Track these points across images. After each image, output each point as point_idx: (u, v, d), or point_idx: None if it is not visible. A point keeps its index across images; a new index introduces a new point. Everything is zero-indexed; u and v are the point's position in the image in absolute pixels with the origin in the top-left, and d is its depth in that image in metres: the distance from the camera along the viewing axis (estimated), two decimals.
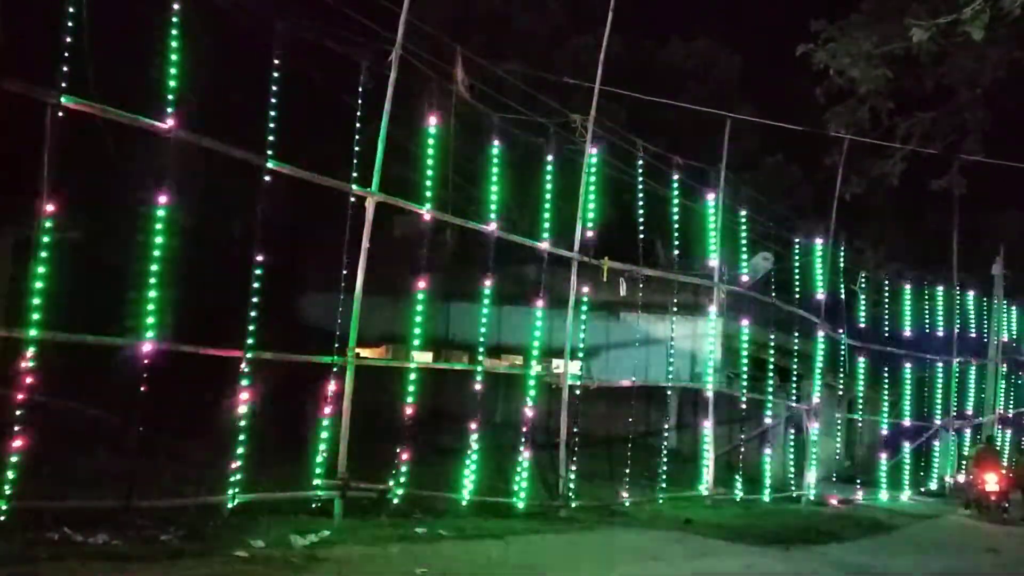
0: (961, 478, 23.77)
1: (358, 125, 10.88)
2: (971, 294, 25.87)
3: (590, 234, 14.05)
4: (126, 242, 10.04)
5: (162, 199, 8.72)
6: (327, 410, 10.38)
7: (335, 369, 10.51)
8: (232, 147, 9.52)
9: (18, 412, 7.58)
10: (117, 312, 9.67)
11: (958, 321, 24.72)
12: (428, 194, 11.61)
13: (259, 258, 9.71)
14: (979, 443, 23.04)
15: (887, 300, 24.14)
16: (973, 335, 26.24)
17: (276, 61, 9.81)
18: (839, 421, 23.21)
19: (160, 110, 8.75)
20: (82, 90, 8.07)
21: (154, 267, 8.70)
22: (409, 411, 11.14)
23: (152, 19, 9.15)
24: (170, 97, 8.76)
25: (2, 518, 7.58)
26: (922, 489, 23.23)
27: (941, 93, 17.37)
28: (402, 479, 11.01)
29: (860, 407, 23.42)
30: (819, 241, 20.03)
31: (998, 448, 22.81)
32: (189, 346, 9.33)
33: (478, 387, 12.37)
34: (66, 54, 7.91)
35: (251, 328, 9.66)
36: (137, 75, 9.45)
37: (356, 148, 10.78)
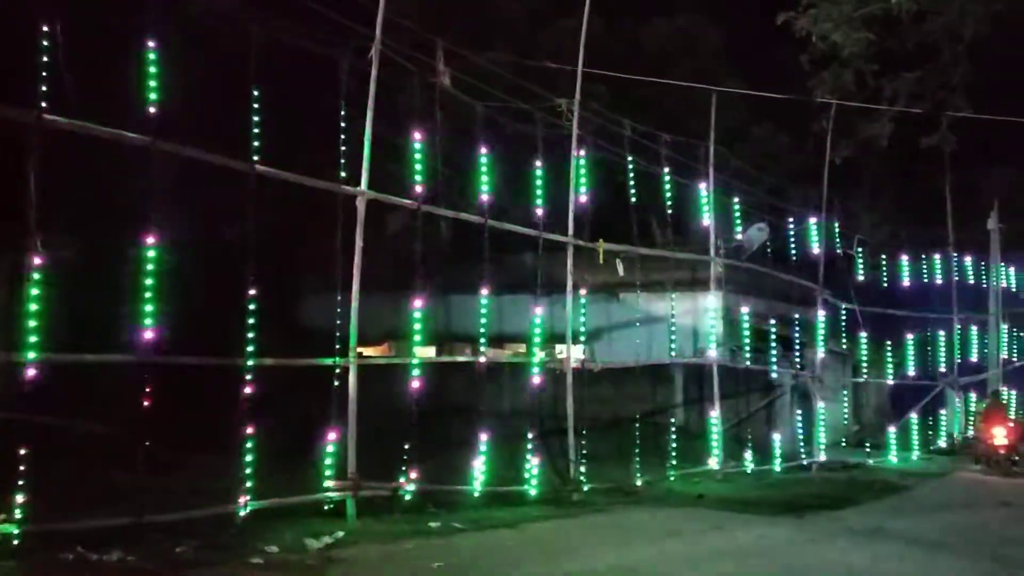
0: (970, 434, 23.82)
1: (343, 124, 10.87)
2: (968, 252, 25.91)
3: (583, 214, 14.03)
4: (120, 258, 10.03)
5: (152, 212, 8.70)
6: (333, 412, 10.39)
7: (337, 370, 10.51)
8: (217, 155, 9.49)
9: (25, 436, 7.58)
10: (116, 329, 9.65)
11: (956, 278, 24.73)
12: (418, 189, 11.59)
13: (254, 264, 9.70)
14: (985, 398, 23.08)
15: (884, 262, 24.12)
16: (972, 291, 26.26)
17: (254, 66, 9.75)
18: (845, 386, 23.25)
19: (142, 122, 8.71)
20: (62, 107, 8.04)
21: (149, 281, 8.68)
22: (415, 407, 11.15)
23: (127, 31, 9.12)
24: (151, 109, 8.71)
25: (16, 542, 7.59)
26: (932, 448, 23.27)
27: (925, 51, 17.32)
28: (413, 475, 11.03)
29: (865, 371, 23.46)
30: (813, 208, 20.03)
31: (1005, 402, 22.84)
32: (190, 358, 9.33)
33: (482, 378, 12.40)
34: (43, 73, 7.88)
35: (251, 335, 9.66)
36: (116, 88, 9.42)
37: (343, 147, 10.77)
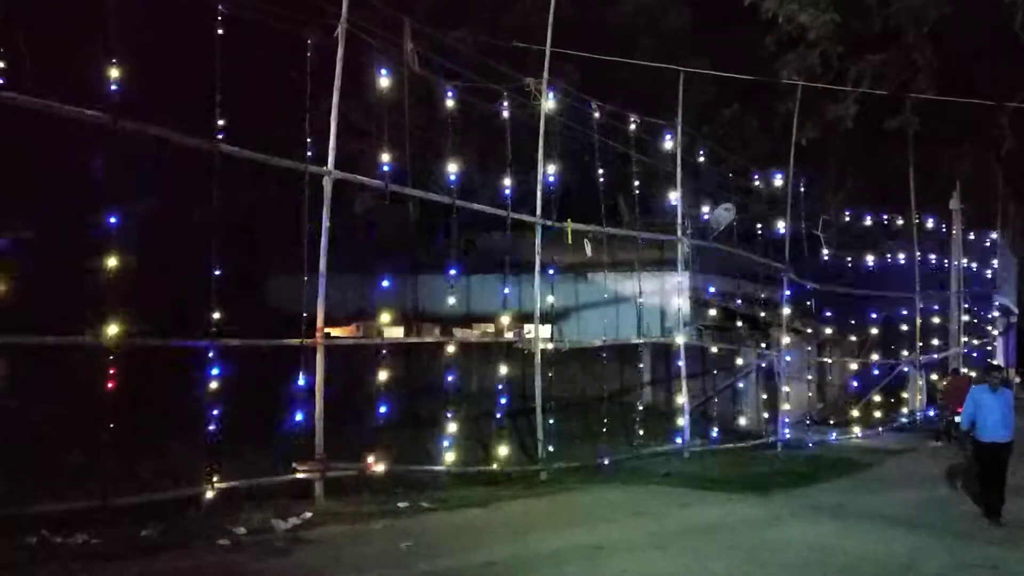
0: (931, 411, 24.22)
1: (309, 103, 10.76)
2: (930, 223, 26.28)
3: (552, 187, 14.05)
4: (83, 238, 9.89)
5: (115, 191, 8.59)
6: (300, 392, 10.34)
7: (304, 351, 10.45)
8: (182, 134, 9.36)
9: None
10: (79, 310, 9.52)
11: (919, 258, 25.07)
12: (386, 168, 11.53)
13: (220, 245, 9.60)
14: (948, 376, 23.46)
15: (849, 242, 24.39)
16: (934, 270, 26.65)
17: (219, 44, 9.62)
18: (810, 364, 23.53)
19: (105, 101, 8.56)
20: (21, 85, 7.89)
21: (113, 261, 8.57)
22: (384, 387, 11.14)
23: (91, 9, 8.96)
24: (114, 88, 8.57)
25: None
26: (894, 424, 23.66)
27: (889, 34, 17.46)
28: (381, 455, 11.02)
29: (829, 349, 23.74)
30: (779, 188, 20.18)
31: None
32: (155, 339, 9.24)
33: (451, 358, 12.42)
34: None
35: (217, 316, 9.57)
36: (78, 65, 9.26)
37: (309, 126, 10.67)
